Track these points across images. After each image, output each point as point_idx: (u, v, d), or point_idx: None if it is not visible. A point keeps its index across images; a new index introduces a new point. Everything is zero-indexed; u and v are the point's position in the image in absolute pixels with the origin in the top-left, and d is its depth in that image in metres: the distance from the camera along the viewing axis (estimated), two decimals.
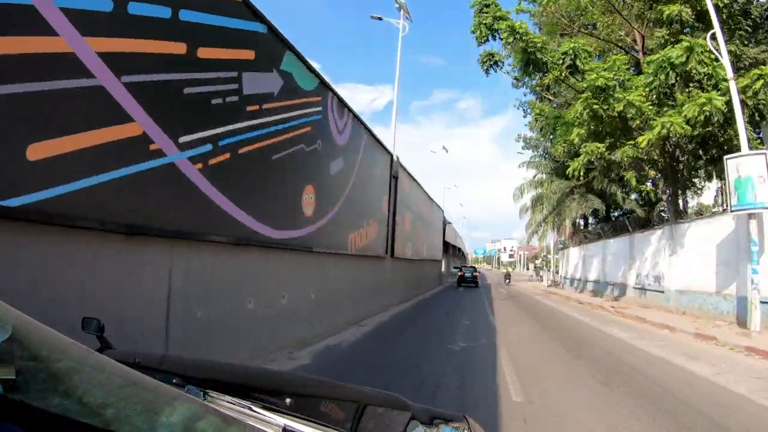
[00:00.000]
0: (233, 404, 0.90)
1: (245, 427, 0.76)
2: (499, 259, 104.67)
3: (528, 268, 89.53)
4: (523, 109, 24.88)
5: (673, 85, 9.24)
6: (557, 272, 28.18)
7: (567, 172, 11.99)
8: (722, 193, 14.50)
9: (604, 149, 10.65)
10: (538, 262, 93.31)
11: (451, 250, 45.22)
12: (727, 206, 10.08)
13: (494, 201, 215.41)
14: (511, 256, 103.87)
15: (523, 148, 25.36)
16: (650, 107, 9.55)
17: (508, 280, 34.87)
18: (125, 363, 0.82)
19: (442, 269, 64.26)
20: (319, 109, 6.43)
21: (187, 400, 0.74)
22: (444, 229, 28.33)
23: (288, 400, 0.97)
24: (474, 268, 28.24)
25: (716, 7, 8.86)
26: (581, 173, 11.26)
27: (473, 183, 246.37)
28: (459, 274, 26.16)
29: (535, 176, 25.71)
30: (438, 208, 23.58)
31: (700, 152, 11.37)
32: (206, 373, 1.25)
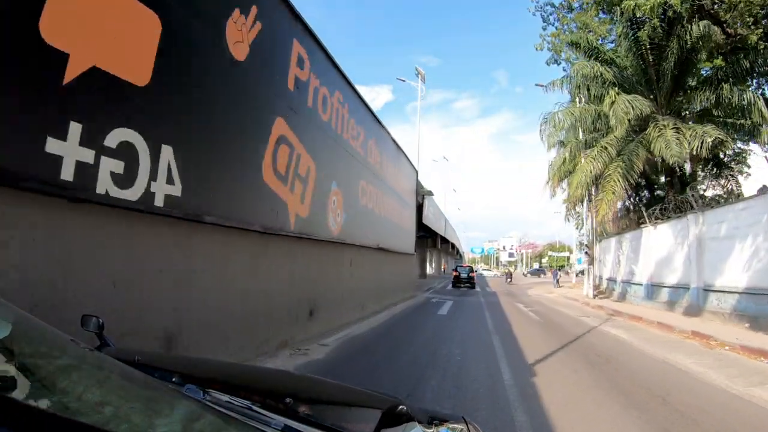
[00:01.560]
0: (233, 403, 0.89)
1: (245, 426, 0.77)
2: (497, 258, 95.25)
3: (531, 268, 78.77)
4: (542, 17, 14.46)
5: None
6: (563, 271, 17.31)
7: None
8: None
9: None
10: (544, 260, 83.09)
11: (440, 243, 32.96)
12: None
13: (490, 201, 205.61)
14: (511, 255, 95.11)
15: (548, 63, 17.31)
16: None
17: (509, 279, 35.14)
18: (125, 361, 0.86)
19: (428, 270, 50.92)
20: None
21: (186, 399, 0.77)
22: (421, 205, 16.62)
23: (288, 400, 0.96)
24: (470, 267, 27.14)
25: None
26: None
27: (469, 183, 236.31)
28: (454, 274, 25.71)
29: (590, 91, 13.97)
30: (401, 157, 14.34)
31: None
32: (206, 372, 1.28)
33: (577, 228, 35.58)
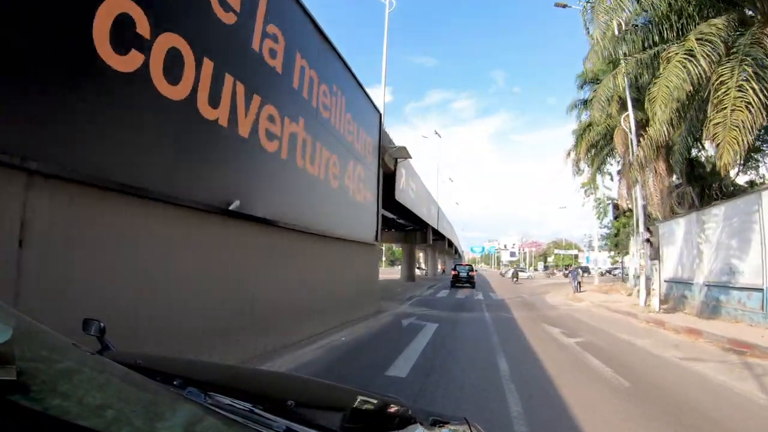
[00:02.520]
0: (235, 406, 0.89)
1: (247, 429, 0.76)
2: (499, 258, 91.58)
3: (536, 268, 73.44)
4: None
5: None
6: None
7: None
8: None
9: None
10: (550, 259, 77.58)
11: (432, 238, 27.08)
12: None
13: (490, 201, 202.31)
14: (512, 254, 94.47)
15: None
16: None
17: (515, 279, 33.66)
18: (126, 365, 0.85)
19: (424, 269, 46.07)
20: None
21: (188, 402, 0.76)
22: (393, 173, 10.24)
23: (290, 402, 0.96)
24: (470, 266, 26.00)
25: None
26: None
27: (468, 184, 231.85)
28: (453, 273, 25.15)
29: None
30: (345, 75, 8.99)
31: None
32: (208, 374, 1.29)
33: (598, 218, 29.44)
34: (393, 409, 1.03)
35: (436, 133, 35.75)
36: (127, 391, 0.66)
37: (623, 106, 17.14)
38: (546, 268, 73.93)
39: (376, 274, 11.32)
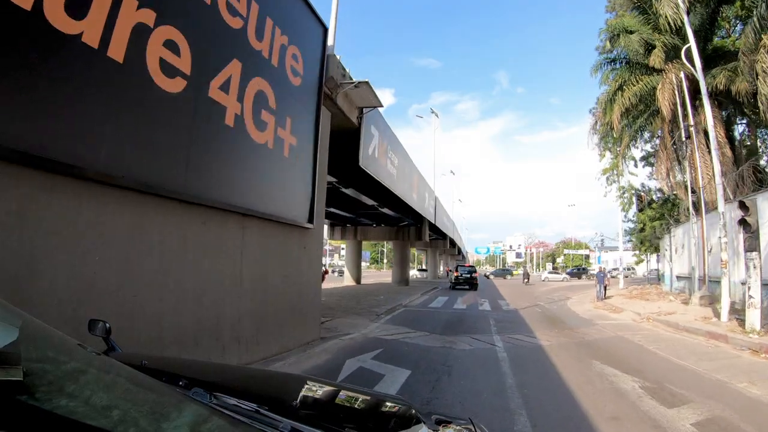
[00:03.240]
0: (240, 406, 0.89)
1: (252, 429, 0.76)
2: (504, 259, 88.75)
3: (545, 269, 69.67)
4: None
5: None
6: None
7: None
8: None
9: None
10: (560, 260, 73.53)
11: (429, 234, 23.50)
12: None
13: (493, 203, 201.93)
14: (518, 255, 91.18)
15: None
16: None
17: (526, 280, 32.22)
18: (132, 365, 0.83)
19: (429, 270, 44.70)
20: None
21: (193, 402, 0.75)
22: (357, 129, 8.36)
23: (295, 402, 0.96)
24: (473, 267, 25.08)
25: None
26: None
27: (472, 186, 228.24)
28: (455, 274, 24.43)
29: None
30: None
31: None
32: (213, 375, 1.28)
33: (623, 210, 25.24)
34: (397, 408, 1.02)
35: (433, 111, 31.37)
36: (133, 391, 0.66)
37: (669, 56, 13.24)
38: (555, 269, 69.32)
39: (315, 276, 7.18)
